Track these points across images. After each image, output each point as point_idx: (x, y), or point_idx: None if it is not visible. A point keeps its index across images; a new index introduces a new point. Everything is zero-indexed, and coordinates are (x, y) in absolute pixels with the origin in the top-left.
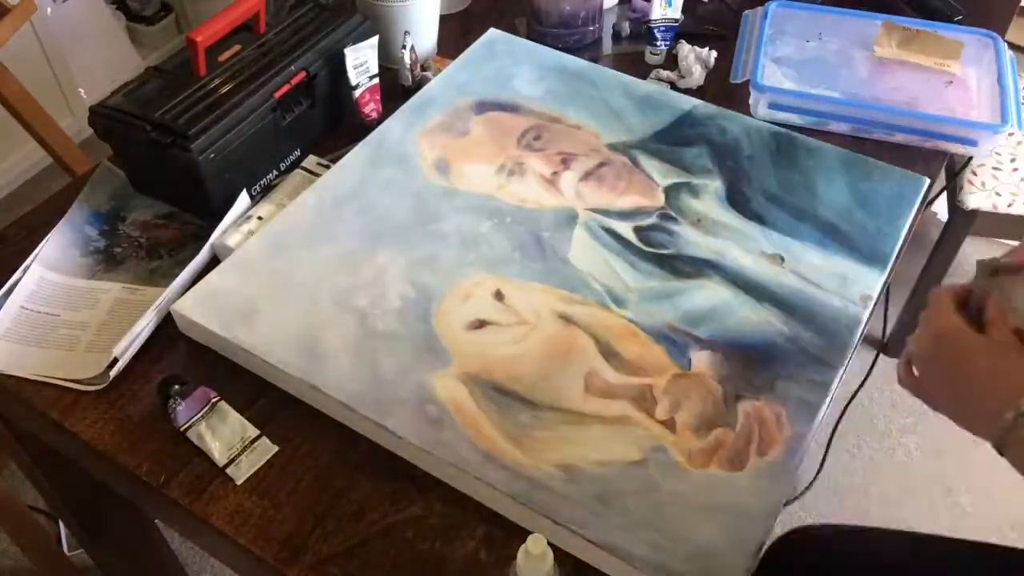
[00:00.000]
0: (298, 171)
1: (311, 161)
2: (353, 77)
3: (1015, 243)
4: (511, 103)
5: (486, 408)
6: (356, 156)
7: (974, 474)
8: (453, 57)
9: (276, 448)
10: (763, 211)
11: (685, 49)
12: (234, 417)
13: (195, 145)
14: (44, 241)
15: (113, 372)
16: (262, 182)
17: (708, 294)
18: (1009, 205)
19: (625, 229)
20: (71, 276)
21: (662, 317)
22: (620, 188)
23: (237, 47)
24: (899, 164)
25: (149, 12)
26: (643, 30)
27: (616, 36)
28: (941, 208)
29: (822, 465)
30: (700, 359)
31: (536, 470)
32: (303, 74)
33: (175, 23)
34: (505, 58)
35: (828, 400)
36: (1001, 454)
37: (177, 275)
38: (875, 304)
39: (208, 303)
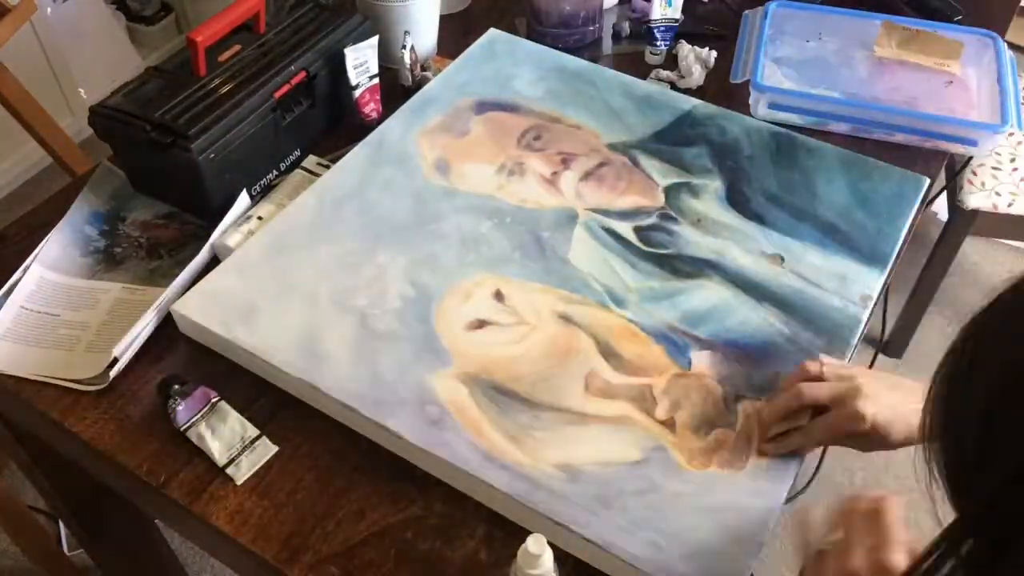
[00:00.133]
0: (298, 171)
1: (311, 161)
2: (353, 77)
3: (1015, 243)
4: (511, 103)
5: (486, 408)
6: (356, 156)
7: None
8: (453, 57)
9: (276, 448)
10: (763, 211)
11: (685, 49)
12: (234, 417)
13: (195, 145)
14: (44, 241)
15: (113, 372)
16: (262, 182)
17: (708, 294)
18: (1009, 205)
19: (625, 229)
20: (71, 276)
21: (662, 317)
22: (620, 188)
23: (237, 47)
24: (899, 164)
25: (149, 12)
26: (643, 30)
27: (616, 36)
28: (941, 208)
29: (820, 464)
30: (700, 359)
31: (536, 470)
32: (303, 74)
33: (175, 23)
34: (505, 58)
35: None
36: None
37: (177, 275)
38: (875, 304)
39: (208, 303)
